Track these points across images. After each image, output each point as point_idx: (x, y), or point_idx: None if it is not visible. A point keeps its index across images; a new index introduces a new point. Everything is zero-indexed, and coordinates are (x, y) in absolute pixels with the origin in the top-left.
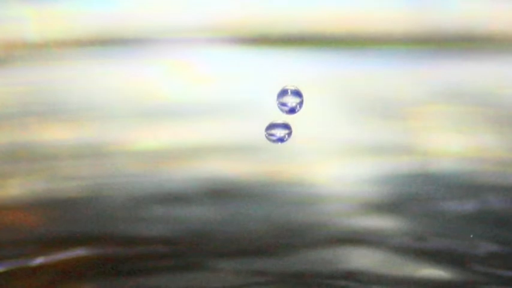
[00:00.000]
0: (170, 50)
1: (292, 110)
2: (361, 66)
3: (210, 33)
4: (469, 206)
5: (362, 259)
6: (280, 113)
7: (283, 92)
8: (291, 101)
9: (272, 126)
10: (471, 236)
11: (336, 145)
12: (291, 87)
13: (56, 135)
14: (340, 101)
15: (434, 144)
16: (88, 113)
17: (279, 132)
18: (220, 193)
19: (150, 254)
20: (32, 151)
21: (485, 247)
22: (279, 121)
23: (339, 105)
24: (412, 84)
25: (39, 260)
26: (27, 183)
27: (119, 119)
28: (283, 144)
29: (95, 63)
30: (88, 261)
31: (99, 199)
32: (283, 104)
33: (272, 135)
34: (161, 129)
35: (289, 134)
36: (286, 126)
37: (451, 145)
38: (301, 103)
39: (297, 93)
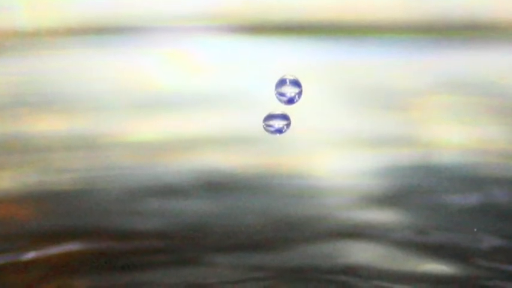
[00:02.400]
0: (166, 38)
1: (290, 101)
2: (361, 55)
3: (207, 21)
4: (472, 199)
5: (362, 253)
6: (279, 103)
7: (282, 82)
8: (290, 91)
9: (270, 117)
10: (474, 229)
11: (336, 136)
12: (289, 77)
13: (48, 126)
14: (340, 91)
15: (436, 136)
16: (82, 103)
17: (278, 123)
18: (217, 186)
19: (145, 249)
20: (24, 143)
21: (489, 241)
22: (278, 112)
23: (339, 96)
24: (413, 74)
25: (30, 255)
26: (19, 175)
27: (113, 110)
28: (282, 135)
29: (89, 52)
30: (81, 255)
31: (93, 192)
32: (282, 94)
33: (270, 126)
34: (157, 121)
35: (288, 125)
36: (284, 117)
37: (453, 136)
38: (300, 93)
39: (296, 83)
